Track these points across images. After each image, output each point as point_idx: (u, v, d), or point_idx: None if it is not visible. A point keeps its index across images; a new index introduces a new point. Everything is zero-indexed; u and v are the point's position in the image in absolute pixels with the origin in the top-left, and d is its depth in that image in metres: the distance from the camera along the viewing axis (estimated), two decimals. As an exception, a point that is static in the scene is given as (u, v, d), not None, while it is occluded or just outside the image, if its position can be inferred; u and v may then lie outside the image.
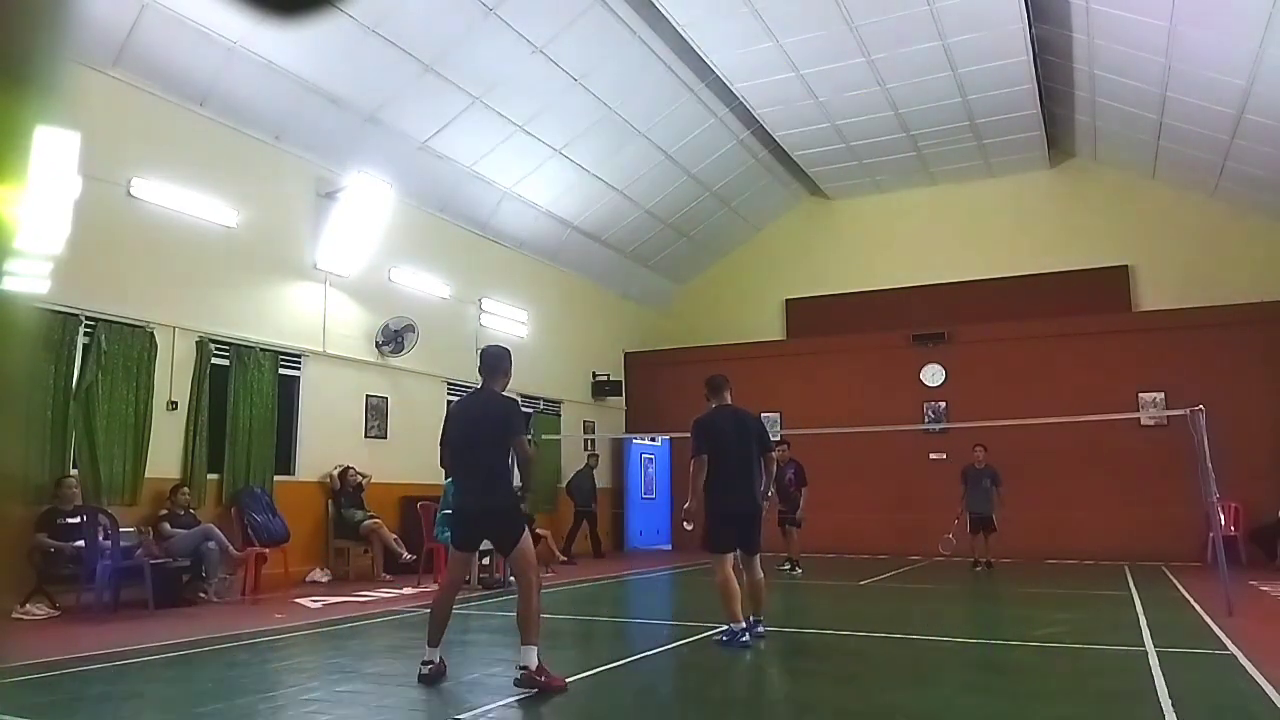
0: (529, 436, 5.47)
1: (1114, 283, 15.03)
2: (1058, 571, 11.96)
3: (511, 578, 10.41)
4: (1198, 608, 7.96)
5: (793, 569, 11.51)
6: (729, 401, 6.57)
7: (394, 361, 11.70)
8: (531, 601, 4.86)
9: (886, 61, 12.01)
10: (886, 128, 14.17)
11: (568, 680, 4.79)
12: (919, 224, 16.62)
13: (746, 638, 6.07)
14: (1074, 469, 13.70)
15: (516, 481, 5.33)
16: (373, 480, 10.95)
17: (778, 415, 16.17)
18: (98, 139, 8.12)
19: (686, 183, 15.29)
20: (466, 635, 7.15)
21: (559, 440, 14.85)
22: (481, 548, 5.69)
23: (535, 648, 4.70)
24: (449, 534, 9.93)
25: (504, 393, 5.34)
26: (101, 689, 4.96)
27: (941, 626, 7.55)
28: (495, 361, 5.33)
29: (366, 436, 11.38)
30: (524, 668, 4.67)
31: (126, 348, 8.52)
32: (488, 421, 5.12)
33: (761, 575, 6.42)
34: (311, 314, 10.72)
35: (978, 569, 11.81)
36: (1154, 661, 5.47)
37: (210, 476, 9.33)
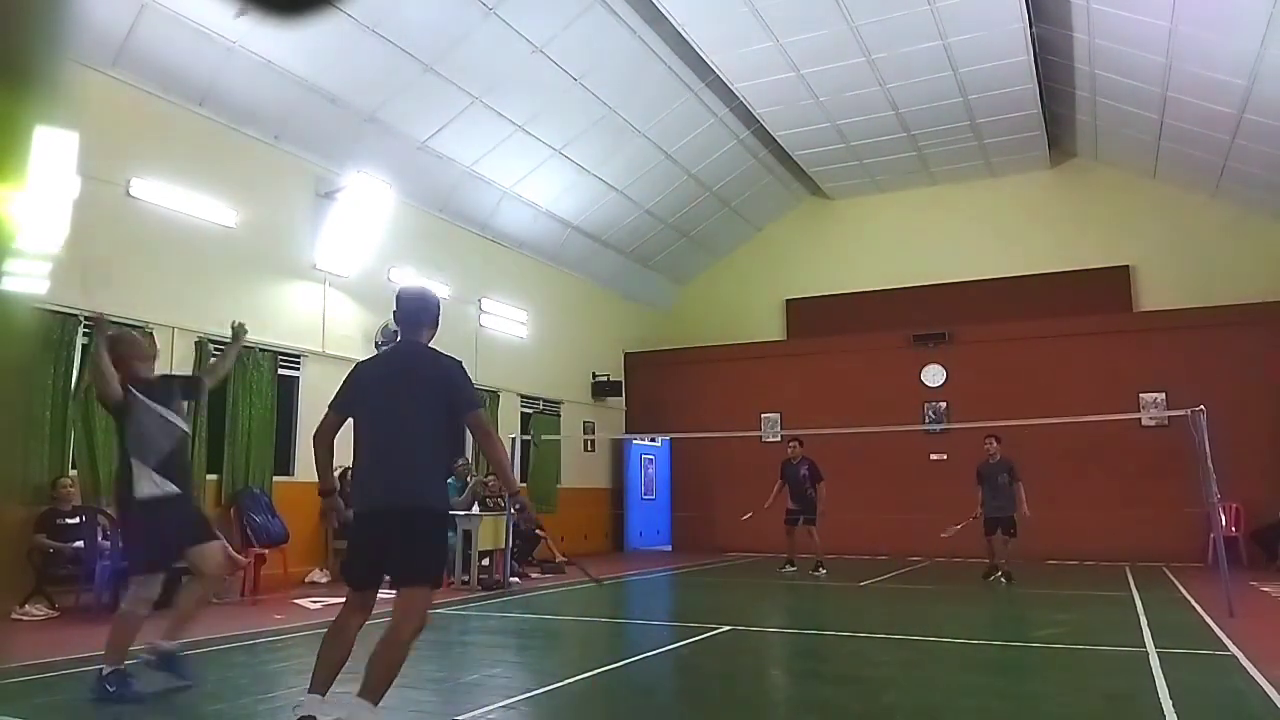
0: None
1: (1115, 283, 15.03)
2: (1058, 572, 11.95)
3: (514, 578, 10.52)
4: (1198, 608, 7.96)
5: (817, 569, 11.52)
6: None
7: (394, 362, 11.67)
8: (406, 639, 3.46)
9: (887, 61, 12.00)
10: (887, 127, 14.17)
11: (567, 681, 4.78)
12: (919, 224, 16.62)
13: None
14: (1075, 470, 13.69)
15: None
16: (372, 480, 10.93)
17: (778, 415, 16.20)
18: (97, 139, 8.11)
19: (686, 183, 15.28)
20: (466, 636, 7.15)
21: (559, 440, 14.83)
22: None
23: (372, 710, 3.33)
24: (449, 536, 9.98)
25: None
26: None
27: (942, 627, 7.54)
28: (415, 306, 3.84)
29: (366, 437, 11.35)
30: None
31: (126, 348, 8.49)
32: (419, 383, 3.64)
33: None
34: (311, 314, 10.71)
35: (990, 580, 10.38)
36: (1155, 662, 5.47)
37: (209, 477, 9.32)
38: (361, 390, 3.77)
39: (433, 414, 3.64)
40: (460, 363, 3.79)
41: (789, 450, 11.92)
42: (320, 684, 3.53)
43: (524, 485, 13.59)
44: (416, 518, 3.57)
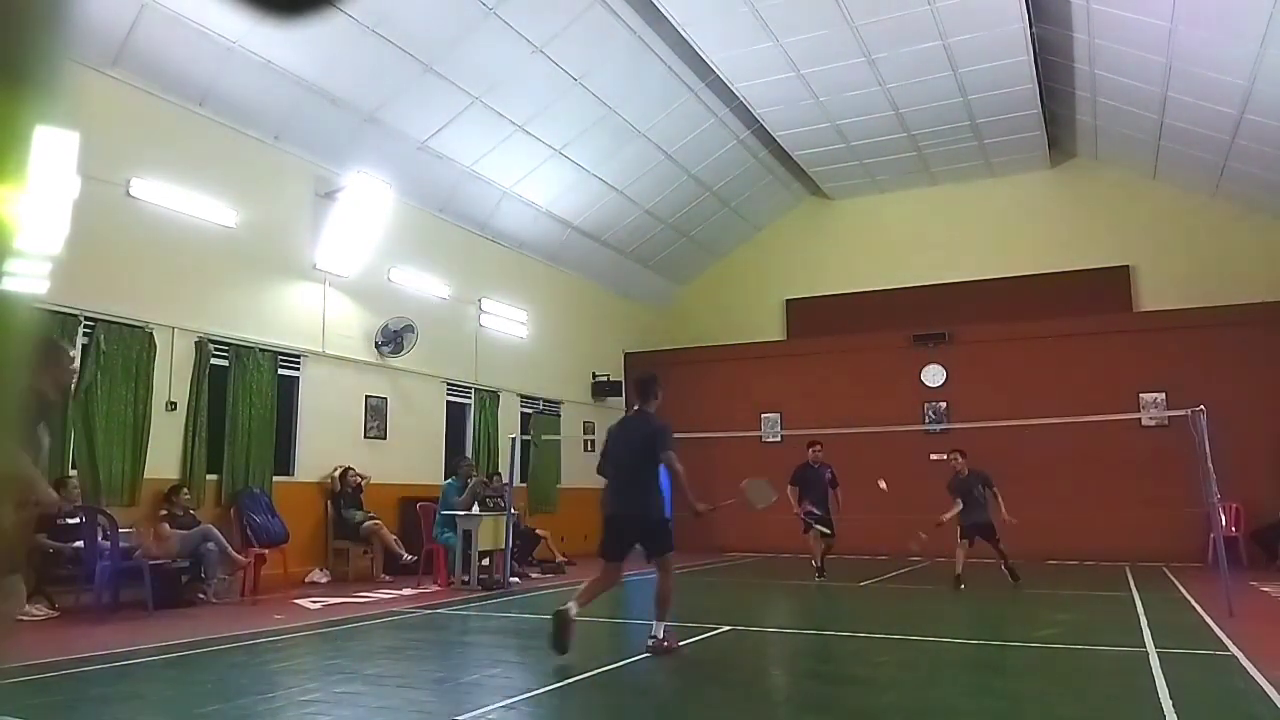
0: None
1: (1115, 283, 15.03)
2: (1058, 572, 11.94)
3: (514, 578, 10.58)
4: (1198, 608, 7.95)
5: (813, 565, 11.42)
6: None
7: (393, 362, 11.69)
8: (668, 585, 6.03)
9: (887, 61, 12.00)
10: (887, 128, 14.17)
11: (567, 681, 4.77)
12: (919, 224, 16.61)
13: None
14: (1075, 469, 13.68)
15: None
16: (371, 480, 10.94)
17: (778, 415, 16.19)
18: (97, 139, 8.12)
19: (686, 183, 15.28)
20: (466, 637, 7.15)
21: (559, 440, 14.82)
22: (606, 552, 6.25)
23: (665, 624, 5.93)
24: (450, 536, 10.03)
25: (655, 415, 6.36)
26: (101, 690, 4.95)
27: (941, 627, 7.54)
28: (646, 387, 6.39)
29: (366, 437, 11.37)
30: (654, 637, 5.85)
31: (126, 348, 8.51)
32: (640, 438, 6.11)
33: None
34: (311, 314, 10.71)
35: (1009, 575, 10.22)
36: (1155, 662, 5.47)
37: (209, 477, 9.32)
38: (610, 441, 6.43)
39: (647, 457, 6.07)
40: (667, 424, 6.35)
41: (810, 454, 11.46)
42: (583, 603, 5.76)
43: (524, 485, 13.60)
44: (643, 519, 6.10)
